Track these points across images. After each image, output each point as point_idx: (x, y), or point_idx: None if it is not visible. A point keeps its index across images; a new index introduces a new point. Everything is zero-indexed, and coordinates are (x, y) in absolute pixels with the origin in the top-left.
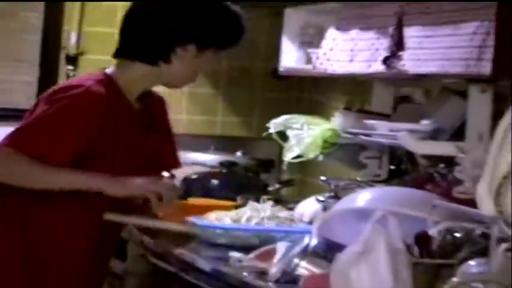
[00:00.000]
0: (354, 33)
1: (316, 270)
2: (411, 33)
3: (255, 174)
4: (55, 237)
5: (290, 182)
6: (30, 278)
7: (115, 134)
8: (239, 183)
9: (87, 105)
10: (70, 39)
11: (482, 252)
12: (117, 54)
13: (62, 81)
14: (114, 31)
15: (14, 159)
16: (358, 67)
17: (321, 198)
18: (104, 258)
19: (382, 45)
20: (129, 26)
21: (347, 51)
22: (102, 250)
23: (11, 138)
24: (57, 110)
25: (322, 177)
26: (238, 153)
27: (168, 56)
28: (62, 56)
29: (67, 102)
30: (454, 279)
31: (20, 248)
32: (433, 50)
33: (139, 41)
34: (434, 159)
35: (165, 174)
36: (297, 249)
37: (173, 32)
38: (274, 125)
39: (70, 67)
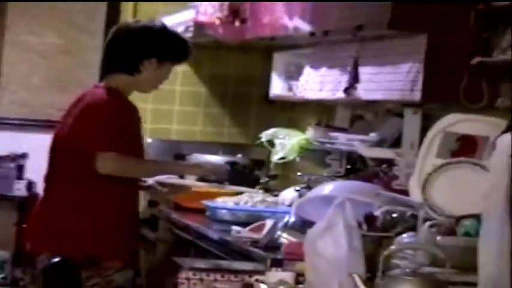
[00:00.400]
0: (323, 70)
1: (293, 239)
2: (364, 71)
3: (250, 170)
4: (128, 202)
5: (275, 177)
6: (117, 218)
7: (136, 126)
8: (239, 177)
9: (123, 110)
10: None
11: (412, 228)
12: (107, 70)
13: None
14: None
15: (119, 159)
16: (325, 94)
17: (298, 188)
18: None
19: (343, 79)
20: (112, 48)
21: (318, 83)
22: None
23: (102, 145)
24: (107, 118)
25: (299, 173)
26: (239, 155)
27: (138, 68)
28: None
29: (110, 111)
30: (392, 247)
31: (115, 208)
32: (380, 83)
33: (120, 58)
34: (379, 161)
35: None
36: (280, 224)
37: (140, 50)
38: (265, 135)
39: None
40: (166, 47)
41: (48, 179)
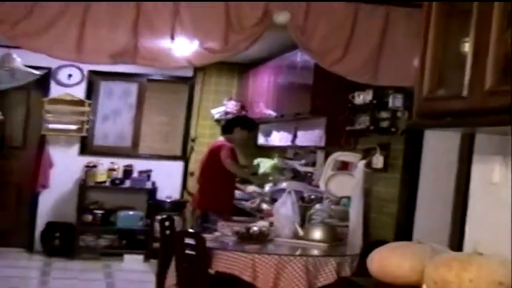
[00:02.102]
0: (281, 133)
1: (269, 207)
2: (299, 133)
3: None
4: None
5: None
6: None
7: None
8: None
9: (233, 149)
10: (191, 133)
11: (320, 202)
12: (223, 133)
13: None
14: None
15: (233, 164)
16: (281, 143)
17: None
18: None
19: (289, 136)
20: (226, 126)
21: (278, 138)
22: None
23: (225, 156)
24: (227, 150)
25: (270, 178)
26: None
27: (231, 131)
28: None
29: (228, 147)
30: (312, 210)
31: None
32: (306, 139)
33: (226, 128)
34: (306, 172)
35: None
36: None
37: (232, 124)
38: (256, 161)
39: (192, 142)
40: (246, 123)
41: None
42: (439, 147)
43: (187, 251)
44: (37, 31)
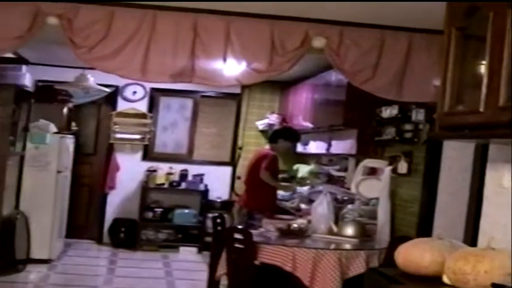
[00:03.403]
0: (317, 142)
1: (307, 207)
2: (333, 142)
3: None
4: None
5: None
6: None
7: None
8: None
9: (276, 158)
10: (239, 142)
11: (352, 203)
12: (269, 142)
13: (258, 151)
14: (254, 140)
15: (267, 175)
16: (317, 151)
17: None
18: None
19: (324, 145)
20: (272, 136)
21: (315, 147)
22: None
23: (264, 167)
24: (269, 160)
25: (308, 181)
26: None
27: (276, 141)
28: (237, 145)
29: (271, 157)
30: (344, 210)
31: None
32: (340, 148)
33: (271, 138)
34: (339, 177)
35: None
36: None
37: (277, 136)
38: (295, 167)
39: (239, 150)
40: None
41: (246, 182)
42: (456, 155)
43: (236, 245)
44: (109, 54)
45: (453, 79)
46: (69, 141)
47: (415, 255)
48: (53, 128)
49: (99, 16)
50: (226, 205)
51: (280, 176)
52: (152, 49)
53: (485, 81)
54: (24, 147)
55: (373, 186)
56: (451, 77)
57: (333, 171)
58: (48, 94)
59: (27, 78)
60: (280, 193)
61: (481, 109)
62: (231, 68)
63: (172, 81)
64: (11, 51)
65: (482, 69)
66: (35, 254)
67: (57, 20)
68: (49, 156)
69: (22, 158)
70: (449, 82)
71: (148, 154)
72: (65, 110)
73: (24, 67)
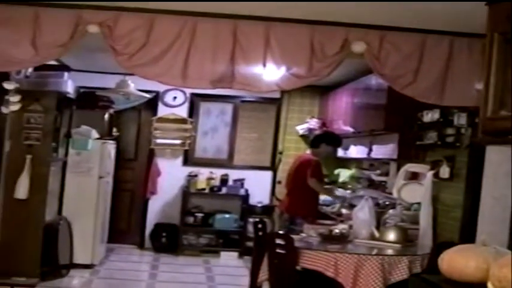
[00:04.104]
0: (358, 147)
1: (348, 212)
2: (374, 147)
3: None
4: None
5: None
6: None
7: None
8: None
9: (319, 164)
10: (279, 146)
11: (393, 207)
12: (310, 147)
13: (299, 155)
14: (294, 145)
15: (316, 183)
16: (358, 155)
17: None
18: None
19: (365, 150)
20: (314, 141)
21: (355, 151)
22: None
23: (310, 174)
24: (313, 166)
25: (349, 186)
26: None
27: (318, 146)
28: (277, 150)
29: (315, 163)
30: (386, 215)
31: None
32: (380, 152)
33: (313, 143)
34: (380, 181)
35: None
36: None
37: (319, 140)
38: (336, 171)
39: (280, 154)
40: (332, 140)
41: (288, 187)
42: (499, 159)
43: (278, 250)
44: (150, 61)
45: (496, 84)
46: (111, 146)
47: (459, 262)
48: (94, 134)
49: (140, 23)
50: (267, 210)
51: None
52: (192, 55)
53: None
54: (66, 153)
55: (415, 191)
56: (493, 82)
57: (374, 175)
58: (89, 100)
59: (69, 84)
60: (321, 198)
61: None
62: (271, 74)
63: (213, 87)
64: (54, 59)
65: None
66: (78, 259)
67: (98, 28)
68: (91, 162)
69: (64, 164)
70: (491, 87)
71: (189, 159)
72: (106, 116)
73: (66, 74)
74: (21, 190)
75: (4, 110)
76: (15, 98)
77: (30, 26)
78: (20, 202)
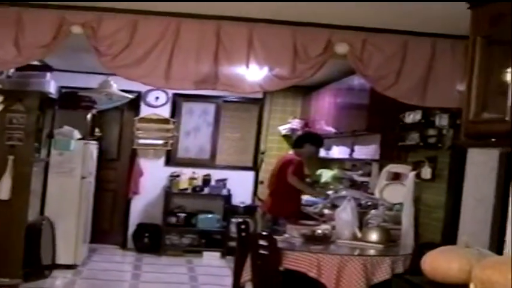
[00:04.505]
0: (340, 147)
1: (330, 212)
2: (356, 148)
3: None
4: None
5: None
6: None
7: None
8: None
9: (302, 163)
10: (261, 146)
11: (375, 208)
12: (293, 147)
13: (282, 156)
14: (276, 145)
15: (296, 180)
16: (340, 156)
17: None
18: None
19: (347, 150)
20: (297, 141)
21: (337, 151)
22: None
23: (291, 171)
24: (295, 165)
25: (331, 186)
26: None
27: (301, 146)
28: (260, 150)
29: (297, 163)
30: (368, 215)
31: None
32: (362, 152)
33: (296, 143)
34: (362, 182)
35: None
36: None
37: (302, 141)
38: (319, 172)
39: (262, 154)
40: (314, 140)
41: (271, 187)
42: (481, 160)
43: (260, 251)
44: (133, 62)
45: (478, 87)
46: (93, 147)
47: (442, 263)
48: (77, 134)
49: (123, 24)
50: (250, 210)
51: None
52: (176, 56)
53: (511, 89)
54: (48, 154)
55: (397, 191)
56: (476, 85)
57: (356, 176)
58: (72, 101)
59: (51, 85)
60: (304, 198)
61: (507, 117)
62: (254, 75)
63: (196, 88)
64: (37, 59)
65: (508, 77)
66: (61, 259)
67: (82, 29)
68: (73, 162)
69: (47, 164)
70: (474, 90)
71: (171, 159)
72: (89, 116)
73: (48, 74)
74: (4, 191)
75: None
76: None
77: (12, 26)
78: (2, 203)
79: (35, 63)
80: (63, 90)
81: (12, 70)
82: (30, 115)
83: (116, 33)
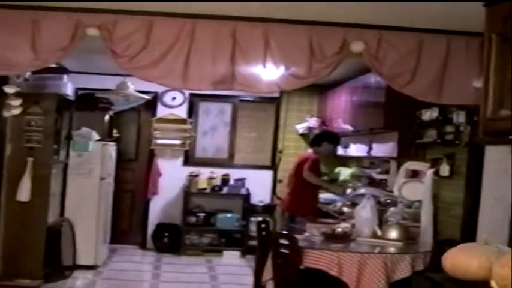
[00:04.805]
0: (357, 145)
1: (349, 210)
2: (374, 145)
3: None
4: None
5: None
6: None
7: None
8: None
9: (318, 160)
10: (279, 145)
11: (394, 205)
12: (311, 146)
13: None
14: (294, 144)
15: (311, 175)
16: (358, 154)
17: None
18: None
19: (365, 148)
20: (314, 140)
21: (355, 149)
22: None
23: (307, 168)
24: (311, 162)
25: (350, 184)
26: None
27: (319, 144)
28: (277, 149)
29: (313, 159)
30: (388, 213)
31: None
32: (380, 150)
33: (314, 142)
34: (380, 179)
35: None
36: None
37: (320, 139)
38: (337, 169)
39: (279, 153)
40: (331, 138)
41: (289, 185)
42: (498, 157)
43: (281, 250)
44: (150, 64)
45: (495, 84)
46: (111, 148)
47: (462, 260)
48: (95, 135)
49: (138, 26)
50: (268, 209)
51: (322, 178)
52: (192, 57)
53: None
54: (67, 155)
55: (415, 189)
56: (492, 82)
57: (375, 174)
58: (89, 102)
59: (68, 87)
60: (323, 196)
61: None
62: (271, 75)
63: (214, 88)
64: (54, 62)
65: None
66: (81, 260)
67: (98, 31)
68: (92, 164)
69: (66, 166)
70: (491, 88)
71: (189, 159)
72: (106, 117)
73: (65, 76)
74: (23, 193)
75: (6, 114)
76: (16, 102)
77: (29, 30)
78: (22, 205)
79: (52, 65)
80: (80, 92)
81: (29, 73)
82: (48, 117)
83: (132, 35)
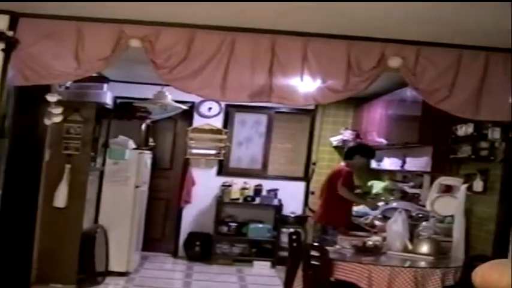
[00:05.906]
0: (391, 159)
1: (381, 223)
2: (408, 159)
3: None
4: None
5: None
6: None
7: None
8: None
9: (351, 173)
10: (312, 157)
11: (426, 220)
12: (344, 159)
13: (334, 167)
14: (327, 156)
15: (346, 190)
16: (391, 167)
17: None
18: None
19: (399, 162)
20: (348, 153)
21: (388, 163)
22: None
23: (341, 183)
24: (344, 176)
25: (382, 198)
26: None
27: (352, 157)
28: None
29: (346, 173)
30: (420, 227)
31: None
32: (414, 165)
33: (347, 154)
34: (413, 193)
35: None
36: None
37: (353, 152)
38: (370, 183)
39: (313, 165)
40: (365, 151)
41: (321, 197)
42: None
43: (312, 261)
44: (190, 75)
45: None
46: (147, 156)
47: (493, 276)
48: (131, 144)
49: (180, 38)
50: (300, 220)
51: (355, 192)
52: (231, 69)
53: None
54: (104, 163)
55: (448, 203)
56: None
57: (408, 188)
58: (127, 111)
59: (107, 95)
60: (354, 209)
61: None
62: (308, 88)
63: (251, 100)
64: (95, 72)
65: None
66: (113, 266)
67: (140, 43)
68: (128, 172)
69: (102, 173)
70: None
71: (223, 169)
72: (143, 126)
73: (105, 85)
74: (60, 198)
75: (47, 121)
76: (57, 110)
77: (73, 40)
78: (58, 210)
79: (92, 74)
80: (119, 101)
81: (70, 82)
82: (87, 125)
83: (173, 47)
